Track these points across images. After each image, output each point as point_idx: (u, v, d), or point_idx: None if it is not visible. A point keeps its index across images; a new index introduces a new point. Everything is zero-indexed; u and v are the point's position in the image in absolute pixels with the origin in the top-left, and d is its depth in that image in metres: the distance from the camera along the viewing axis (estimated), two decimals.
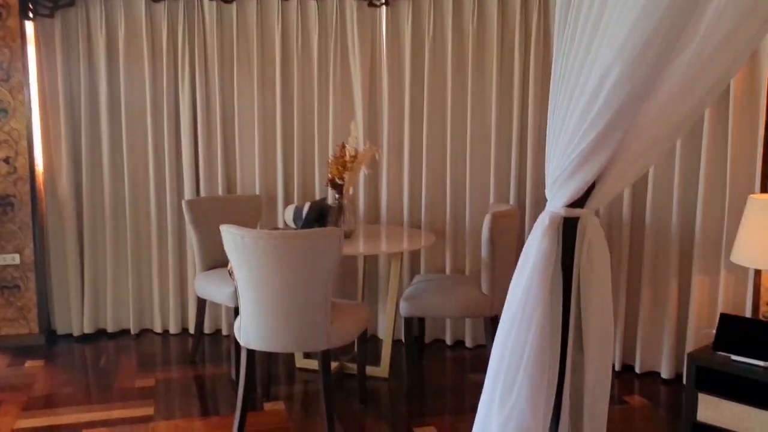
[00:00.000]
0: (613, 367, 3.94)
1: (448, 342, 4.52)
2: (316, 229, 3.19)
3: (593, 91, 1.71)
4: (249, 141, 4.49)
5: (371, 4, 4.33)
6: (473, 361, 4.28)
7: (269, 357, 3.72)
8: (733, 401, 2.95)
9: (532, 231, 1.95)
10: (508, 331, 1.93)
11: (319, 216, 3.84)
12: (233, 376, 3.94)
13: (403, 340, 3.91)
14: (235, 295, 3.38)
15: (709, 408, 3.03)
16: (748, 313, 3.48)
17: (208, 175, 4.51)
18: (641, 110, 1.73)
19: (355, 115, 4.40)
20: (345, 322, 3.22)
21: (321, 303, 3.02)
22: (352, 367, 3.89)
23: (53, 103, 4.38)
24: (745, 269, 3.47)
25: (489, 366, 2.00)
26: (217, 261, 4.08)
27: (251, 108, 4.44)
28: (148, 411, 3.50)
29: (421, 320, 4.25)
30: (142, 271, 4.65)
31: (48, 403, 3.61)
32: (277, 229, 4.01)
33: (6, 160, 4.30)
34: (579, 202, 1.89)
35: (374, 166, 4.39)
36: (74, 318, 4.56)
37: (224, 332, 4.64)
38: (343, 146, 3.83)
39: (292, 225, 3.92)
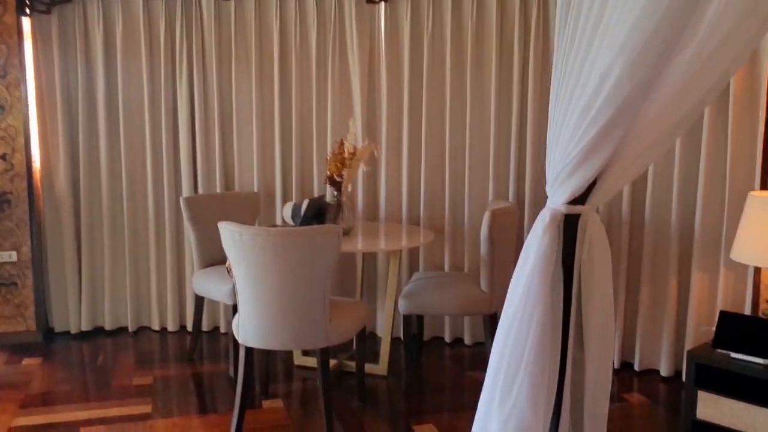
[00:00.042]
0: (613, 364, 3.93)
1: (447, 339, 4.52)
2: (315, 227, 3.18)
3: (594, 89, 1.71)
4: (247, 138, 4.48)
5: (370, 1, 4.31)
6: (472, 359, 4.28)
7: (267, 355, 3.71)
8: (732, 399, 2.95)
9: (532, 228, 1.94)
10: (508, 329, 1.92)
11: (317, 213, 3.83)
12: (231, 373, 3.93)
13: (402, 338, 3.90)
14: (234, 293, 3.37)
15: (709, 405, 3.03)
16: (747, 311, 3.48)
17: (206, 172, 4.50)
18: (642, 109, 1.73)
19: (353, 111, 4.39)
20: (344, 320, 3.21)
21: (319, 300, 3.01)
22: (351, 365, 3.88)
23: (50, 100, 4.37)
24: (745, 267, 3.46)
25: (489, 364, 2.00)
26: (215, 258, 4.06)
27: (249, 105, 4.43)
28: (146, 409, 3.49)
29: (420, 318, 4.25)
30: (140, 269, 4.64)
31: (45, 400, 3.60)
32: (275, 226, 3.99)
33: (3, 157, 4.28)
34: (580, 199, 1.88)
35: (373, 162, 4.38)
36: (72, 315, 4.55)
37: (222, 330, 4.63)
38: (342, 143, 3.82)
39: (291, 222, 3.91)
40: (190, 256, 4.43)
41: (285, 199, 4.49)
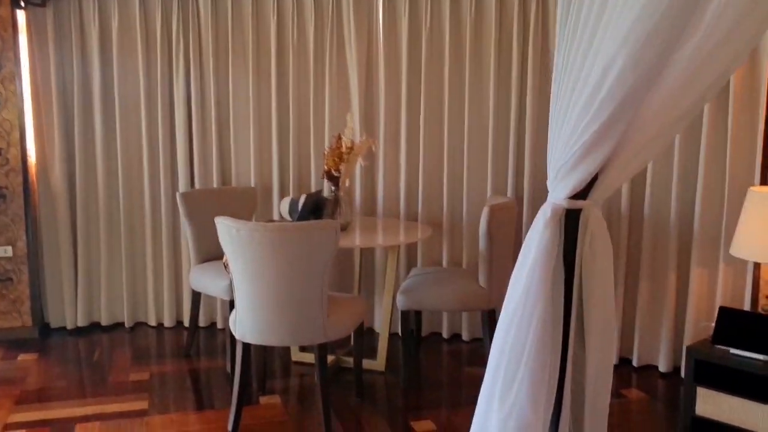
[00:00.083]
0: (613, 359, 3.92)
1: (445, 335, 4.50)
2: (312, 222, 3.17)
3: (596, 82, 1.70)
4: (244, 133, 4.45)
5: None
6: (470, 355, 4.27)
7: (265, 350, 3.70)
8: (732, 395, 2.95)
9: (533, 223, 1.92)
10: (508, 325, 1.91)
11: (315, 208, 3.81)
12: (228, 369, 3.92)
13: (400, 334, 3.89)
14: (231, 288, 3.36)
15: (708, 402, 3.02)
16: (747, 307, 3.47)
17: (203, 167, 4.47)
18: (644, 104, 1.72)
19: (351, 106, 4.36)
20: (341, 316, 3.19)
21: (317, 296, 3.00)
22: (349, 361, 3.87)
23: (46, 94, 4.33)
24: (745, 262, 3.45)
25: (489, 360, 1.98)
26: (212, 254, 4.04)
27: (246, 99, 4.40)
28: (143, 405, 3.48)
29: (418, 313, 4.23)
30: (137, 264, 4.61)
31: (41, 396, 3.58)
32: (272, 221, 3.97)
33: None
34: (581, 194, 1.87)
35: (371, 157, 4.36)
36: (68, 311, 4.52)
37: (219, 325, 4.61)
38: (340, 138, 3.79)
39: (288, 217, 3.90)
40: (187, 251, 4.41)
41: (282, 194, 4.47)
